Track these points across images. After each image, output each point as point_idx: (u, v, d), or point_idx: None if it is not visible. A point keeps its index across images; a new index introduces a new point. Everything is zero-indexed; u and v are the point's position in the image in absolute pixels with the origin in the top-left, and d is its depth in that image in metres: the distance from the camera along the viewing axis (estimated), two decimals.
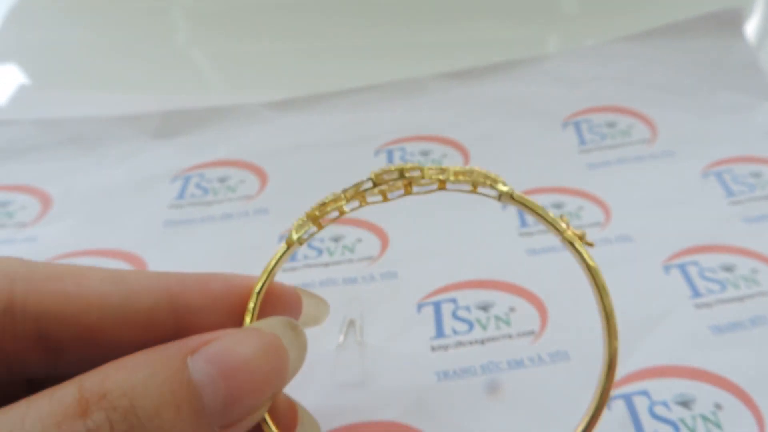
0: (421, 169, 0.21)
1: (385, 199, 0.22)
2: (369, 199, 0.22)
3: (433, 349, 0.31)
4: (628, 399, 0.29)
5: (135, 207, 0.41)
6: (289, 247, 0.23)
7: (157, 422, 0.16)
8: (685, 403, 0.29)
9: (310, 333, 0.32)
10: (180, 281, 0.22)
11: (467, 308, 0.33)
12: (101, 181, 0.43)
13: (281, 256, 0.23)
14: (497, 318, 0.33)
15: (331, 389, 0.29)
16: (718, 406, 0.29)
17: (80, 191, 0.43)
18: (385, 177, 0.22)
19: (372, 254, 0.37)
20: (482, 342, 0.32)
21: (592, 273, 0.23)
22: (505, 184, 0.22)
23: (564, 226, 0.22)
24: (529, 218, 0.40)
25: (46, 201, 0.42)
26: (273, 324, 0.21)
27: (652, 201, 0.41)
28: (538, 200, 0.42)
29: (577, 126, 0.48)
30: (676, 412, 0.28)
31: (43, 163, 0.45)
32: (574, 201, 0.41)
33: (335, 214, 0.23)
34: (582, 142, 0.46)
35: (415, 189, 0.22)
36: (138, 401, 0.16)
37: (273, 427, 0.21)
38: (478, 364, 0.30)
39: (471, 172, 0.21)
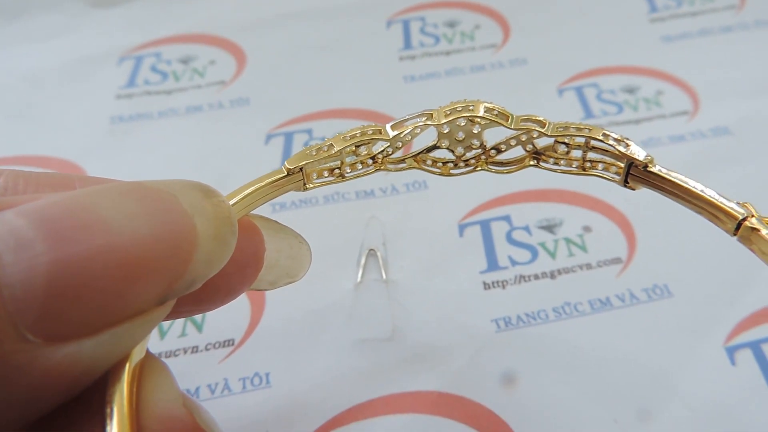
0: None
1: (447, 172, 0.16)
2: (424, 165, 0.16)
3: (486, 286, 0.23)
4: (756, 348, 0.21)
5: (71, 98, 0.31)
6: (289, 174, 0.15)
7: None
8: None
9: (320, 269, 0.23)
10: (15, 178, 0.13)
11: (526, 229, 0.25)
12: (26, 62, 0.33)
13: (273, 184, 0.14)
14: (568, 241, 0.24)
15: (348, 346, 0.21)
16: None
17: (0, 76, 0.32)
18: (456, 130, 0.15)
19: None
20: (552, 275, 0.23)
21: None
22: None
23: (742, 210, 0.14)
24: (596, 106, 0.30)
25: None
26: (165, 181, 0.12)
27: (748, 84, 0.32)
28: (606, 82, 0.33)
29: None
30: None
31: None
32: (650, 83, 0.32)
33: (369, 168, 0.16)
34: (653, 8, 0.36)
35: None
36: None
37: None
38: (550, 306, 0.22)
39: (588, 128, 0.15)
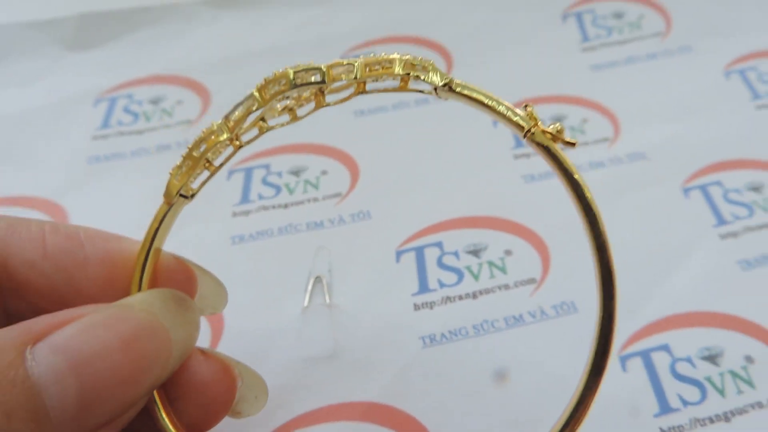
0: (322, 70, 0.17)
1: (294, 117, 0.18)
2: (271, 122, 0.17)
3: (417, 307, 0.26)
4: (646, 357, 0.25)
5: (51, 139, 0.34)
6: (170, 205, 0.17)
7: None
8: (712, 358, 0.25)
9: (272, 295, 0.27)
10: (10, 227, 0.17)
11: (455, 254, 0.28)
12: (7, 106, 0.35)
13: (162, 219, 0.17)
14: (491, 264, 0.28)
15: (295, 364, 0.24)
16: (749, 359, 0.25)
17: None
18: (273, 90, 0.17)
19: (340, 190, 0.31)
20: (474, 296, 0.27)
21: (577, 192, 0.17)
22: (439, 72, 0.17)
23: (525, 118, 0.17)
24: None
25: None
26: (149, 299, 0.16)
27: (668, 109, 0.35)
28: (537, 112, 0.36)
29: (579, 18, 0.41)
30: (702, 370, 0.24)
31: None
32: (577, 111, 0.35)
33: (229, 149, 0.17)
34: (585, 38, 0.39)
35: (328, 98, 0.18)
36: None
37: (165, 418, 0.17)
38: (471, 324, 0.26)
39: (389, 62, 0.17)
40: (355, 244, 0.29)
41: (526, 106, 0.17)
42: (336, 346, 0.25)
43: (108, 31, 0.39)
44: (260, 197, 0.31)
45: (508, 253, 0.28)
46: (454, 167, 0.32)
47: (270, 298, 0.26)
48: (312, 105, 0.18)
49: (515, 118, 0.17)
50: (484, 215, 0.30)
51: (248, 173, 0.32)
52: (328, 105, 0.18)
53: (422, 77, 0.17)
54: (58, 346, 0.14)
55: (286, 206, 0.30)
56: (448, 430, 0.23)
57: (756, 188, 0.31)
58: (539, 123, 0.17)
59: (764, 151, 0.32)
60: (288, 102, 0.17)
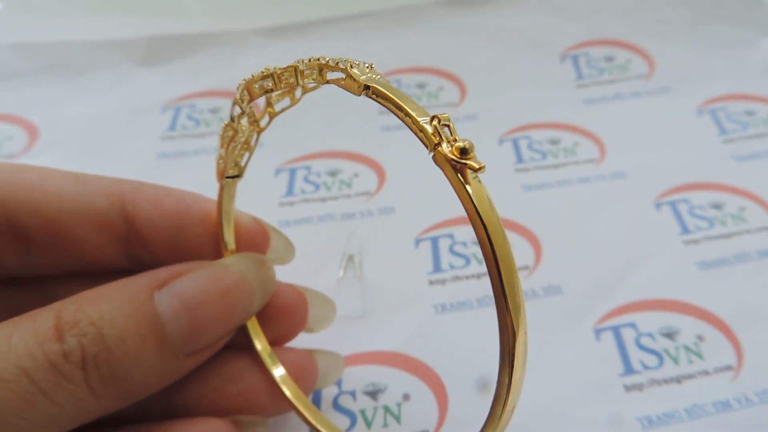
0: (274, 75, 0.19)
1: (294, 100, 0.20)
2: (276, 107, 0.21)
3: (431, 283, 0.32)
4: (616, 331, 0.30)
5: (126, 138, 0.40)
6: (222, 186, 0.22)
7: (123, 348, 0.18)
8: (670, 335, 0.30)
9: (312, 268, 0.33)
10: (135, 190, 0.22)
11: (464, 244, 0.34)
12: (89, 110, 0.42)
13: (221, 195, 0.22)
14: None
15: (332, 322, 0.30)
16: (700, 338, 0.30)
17: (67, 121, 0.41)
18: (245, 97, 0.20)
19: (369, 189, 0.37)
20: (478, 277, 0.32)
21: (476, 215, 0.15)
22: (362, 69, 0.16)
23: (430, 132, 0.15)
24: (526, 154, 0.40)
25: (32, 131, 0.41)
26: (239, 261, 0.22)
27: (647, 138, 0.41)
28: (536, 135, 0.43)
29: (575, 60, 0.47)
30: (661, 343, 0.30)
31: (25, 90, 0.44)
32: (569, 137, 0.41)
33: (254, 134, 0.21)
34: (579, 76, 0.46)
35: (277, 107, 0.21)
36: (105, 330, 0.18)
37: (255, 337, 0.23)
38: (475, 298, 0.31)
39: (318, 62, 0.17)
40: (382, 233, 0.35)
41: (433, 118, 0.15)
42: (365, 309, 0.31)
43: (173, 51, 0.45)
44: (302, 192, 0.37)
45: None
46: None
47: (311, 271, 0.32)
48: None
49: (420, 134, 0.15)
50: None
51: (292, 173, 0.38)
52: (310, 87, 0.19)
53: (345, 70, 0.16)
54: (176, 292, 0.19)
55: (324, 200, 0.36)
56: (452, 374, 0.28)
57: (717, 206, 0.37)
58: (444, 142, 0.15)
59: (726, 176, 0.38)
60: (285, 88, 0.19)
